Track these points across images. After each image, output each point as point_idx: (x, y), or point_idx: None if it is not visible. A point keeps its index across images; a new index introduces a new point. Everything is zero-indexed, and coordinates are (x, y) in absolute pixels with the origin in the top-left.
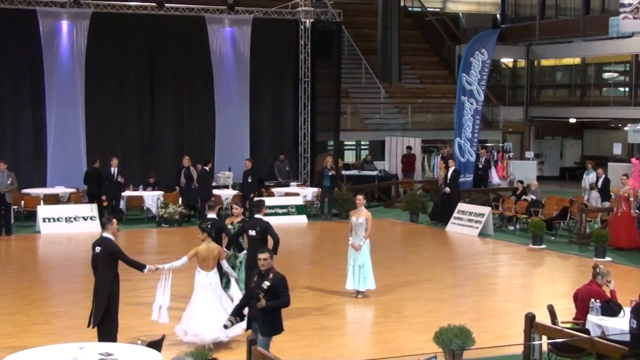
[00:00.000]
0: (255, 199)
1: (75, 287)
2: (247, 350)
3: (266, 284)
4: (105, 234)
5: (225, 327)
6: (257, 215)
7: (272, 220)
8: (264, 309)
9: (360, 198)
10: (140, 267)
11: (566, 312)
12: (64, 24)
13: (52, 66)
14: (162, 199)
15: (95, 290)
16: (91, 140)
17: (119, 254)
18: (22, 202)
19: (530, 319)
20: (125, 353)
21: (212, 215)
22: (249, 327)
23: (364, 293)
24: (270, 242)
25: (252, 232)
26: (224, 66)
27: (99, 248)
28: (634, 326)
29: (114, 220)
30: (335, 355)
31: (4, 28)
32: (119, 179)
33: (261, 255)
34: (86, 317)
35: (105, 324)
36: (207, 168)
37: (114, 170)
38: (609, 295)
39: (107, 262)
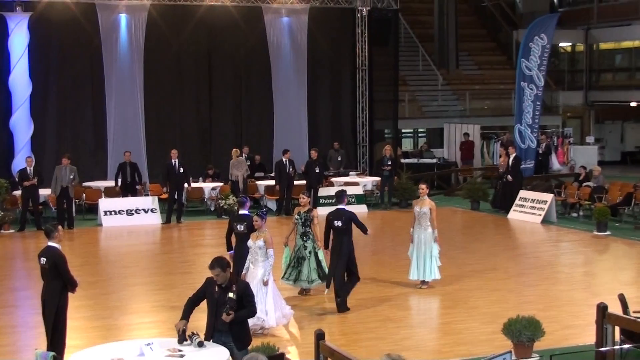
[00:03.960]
0: (338, 189)
1: (137, 281)
2: (315, 345)
3: (232, 295)
4: (51, 243)
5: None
6: (340, 206)
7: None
8: (233, 320)
9: (423, 187)
10: (73, 285)
11: (635, 300)
12: (123, 18)
13: (111, 60)
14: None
15: (42, 304)
16: (150, 132)
17: (61, 266)
18: (84, 195)
19: (602, 309)
20: (192, 350)
21: (243, 211)
22: (208, 338)
23: (428, 283)
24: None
25: (338, 223)
26: (281, 56)
27: (44, 259)
28: None
29: (60, 227)
30: (401, 348)
31: (64, 22)
32: (180, 171)
33: (213, 272)
34: (150, 312)
35: (54, 340)
36: (283, 159)
37: (174, 162)
38: None
39: (53, 273)
